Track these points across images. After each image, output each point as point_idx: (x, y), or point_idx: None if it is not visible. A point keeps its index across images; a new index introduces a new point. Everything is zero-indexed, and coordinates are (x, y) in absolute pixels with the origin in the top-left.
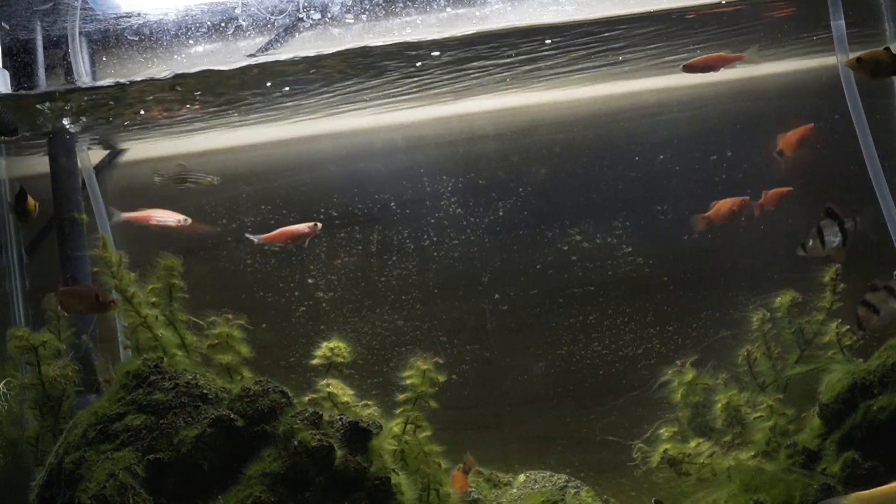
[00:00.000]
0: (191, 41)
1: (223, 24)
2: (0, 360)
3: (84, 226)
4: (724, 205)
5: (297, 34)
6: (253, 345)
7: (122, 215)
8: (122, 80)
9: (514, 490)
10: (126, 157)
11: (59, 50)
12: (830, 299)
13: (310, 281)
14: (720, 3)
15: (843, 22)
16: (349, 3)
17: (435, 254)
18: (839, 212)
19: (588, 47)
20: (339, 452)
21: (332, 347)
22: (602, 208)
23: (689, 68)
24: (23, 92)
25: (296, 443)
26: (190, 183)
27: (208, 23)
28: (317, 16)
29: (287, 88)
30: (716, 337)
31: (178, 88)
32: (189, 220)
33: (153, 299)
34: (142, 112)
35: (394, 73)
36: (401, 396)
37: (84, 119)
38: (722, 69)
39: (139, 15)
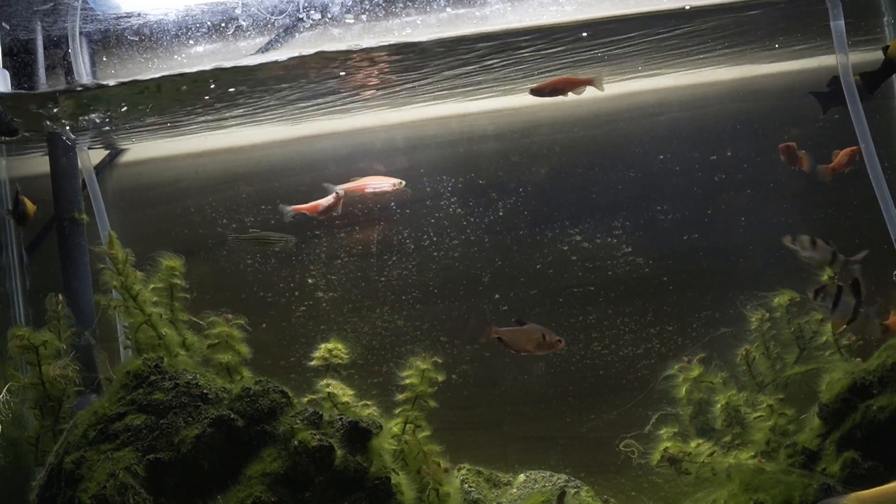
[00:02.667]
0: (191, 41)
1: (223, 24)
2: (0, 359)
3: (84, 226)
4: (843, 156)
5: (297, 34)
6: (253, 345)
7: (341, 188)
8: (124, 80)
9: (514, 490)
10: (126, 157)
11: (60, 50)
12: None
13: (310, 281)
14: (720, 2)
15: (843, 22)
16: (349, 3)
17: (435, 254)
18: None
19: (588, 47)
20: (339, 452)
21: (330, 349)
22: (602, 208)
23: (537, 92)
24: (23, 92)
25: (296, 443)
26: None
27: (208, 23)
28: (317, 16)
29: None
30: (715, 332)
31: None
32: (403, 183)
33: (155, 299)
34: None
35: (393, 73)
36: (400, 396)
37: (84, 119)
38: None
39: (139, 15)
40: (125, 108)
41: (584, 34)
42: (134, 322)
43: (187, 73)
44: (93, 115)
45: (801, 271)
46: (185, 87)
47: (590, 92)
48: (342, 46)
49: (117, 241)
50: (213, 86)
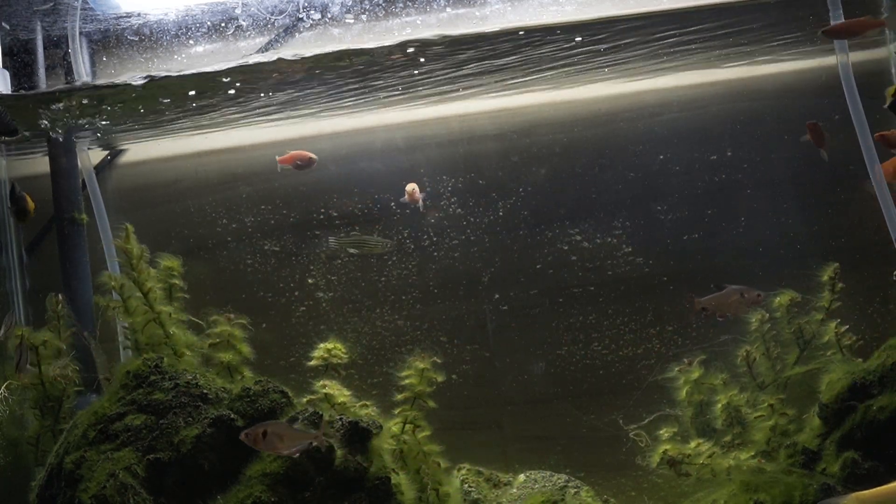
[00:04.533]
0: (191, 41)
1: (223, 24)
2: (0, 359)
3: (84, 226)
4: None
5: (297, 34)
6: (253, 345)
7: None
8: (124, 79)
9: (514, 490)
10: (126, 157)
11: (59, 50)
12: (829, 299)
13: (310, 281)
14: (721, 3)
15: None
16: (349, 3)
17: (435, 254)
18: None
19: (588, 47)
20: (339, 452)
21: (329, 349)
22: (602, 208)
23: (829, 33)
24: (23, 92)
25: None
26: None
27: (208, 23)
28: (317, 16)
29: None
30: (716, 340)
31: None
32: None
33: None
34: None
35: (393, 73)
36: (399, 396)
37: (84, 119)
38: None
39: (139, 15)
40: (125, 107)
41: (584, 34)
42: (141, 320)
43: (187, 73)
44: (92, 115)
45: (801, 272)
46: (184, 87)
47: (590, 92)
48: (344, 46)
49: (133, 236)
50: (214, 85)
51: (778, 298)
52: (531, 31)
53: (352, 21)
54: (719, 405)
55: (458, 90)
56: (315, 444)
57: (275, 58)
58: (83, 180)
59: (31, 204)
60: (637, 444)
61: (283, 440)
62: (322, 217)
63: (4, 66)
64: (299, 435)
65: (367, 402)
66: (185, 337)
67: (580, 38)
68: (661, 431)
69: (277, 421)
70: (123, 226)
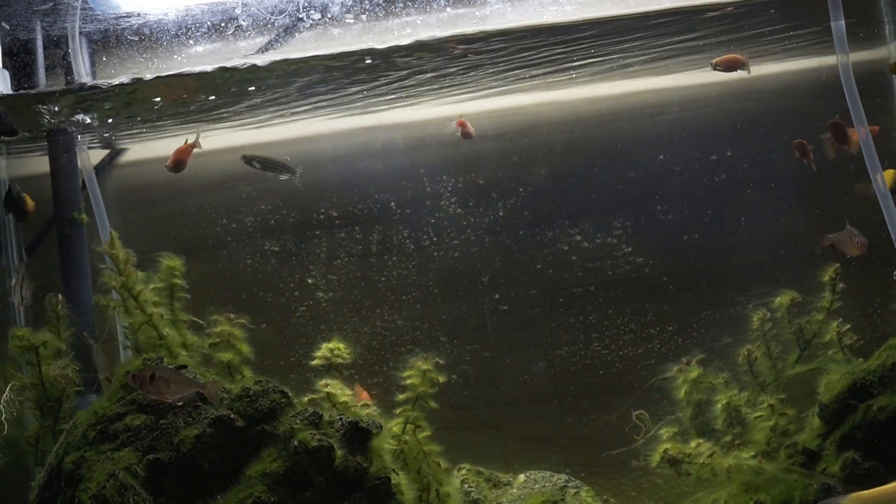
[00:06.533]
0: (191, 41)
1: (223, 24)
2: (0, 359)
3: (84, 226)
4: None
5: (296, 34)
6: (253, 345)
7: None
8: (122, 80)
9: (514, 490)
10: (126, 157)
11: (59, 50)
12: (830, 299)
13: (310, 281)
14: (721, 3)
15: (843, 22)
16: (349, 3)
17: (435, 254)
18: None
19: (588, 47)
20: (339, 452)
21: (332, 348)
22: (602, 208)
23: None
24: (23, 92)
25: (296, 443)
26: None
27: (208, 23)
28: (317, 16)
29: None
30: (718, 342)
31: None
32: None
33: (155, 298)
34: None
35: (393, 74)
36: (400, 396)
37: (83, 119)
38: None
39: (139, 15)
40: (124, 107)
41: (584, 34)
42: (134, 322)
43: (187, 73)
44: (92, 115)
45: (801, 271)
46: (184, 87)
47: (590, 92)
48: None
49: (118, 241)
50: (213, 85)
51: (779, 299)
52: (531, 31)
53: (352, 21)
54: (719, 405)
55: (457, 90)
56: (204, 392)
57: (275, 58)
58: (83, 180)
59: (30, 204)
60: (637, 445)
61: (171, 385)
62: (322, 217)
63: (4, 66)
64: (188, 382)
65: (368, 402)
66: (184, 337)
67: (580, 38)
68: (662, 432)
69: (167, 366)
70: (110, 231)
